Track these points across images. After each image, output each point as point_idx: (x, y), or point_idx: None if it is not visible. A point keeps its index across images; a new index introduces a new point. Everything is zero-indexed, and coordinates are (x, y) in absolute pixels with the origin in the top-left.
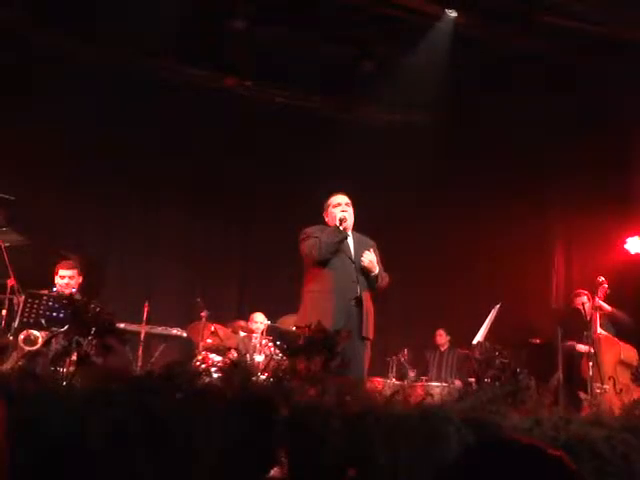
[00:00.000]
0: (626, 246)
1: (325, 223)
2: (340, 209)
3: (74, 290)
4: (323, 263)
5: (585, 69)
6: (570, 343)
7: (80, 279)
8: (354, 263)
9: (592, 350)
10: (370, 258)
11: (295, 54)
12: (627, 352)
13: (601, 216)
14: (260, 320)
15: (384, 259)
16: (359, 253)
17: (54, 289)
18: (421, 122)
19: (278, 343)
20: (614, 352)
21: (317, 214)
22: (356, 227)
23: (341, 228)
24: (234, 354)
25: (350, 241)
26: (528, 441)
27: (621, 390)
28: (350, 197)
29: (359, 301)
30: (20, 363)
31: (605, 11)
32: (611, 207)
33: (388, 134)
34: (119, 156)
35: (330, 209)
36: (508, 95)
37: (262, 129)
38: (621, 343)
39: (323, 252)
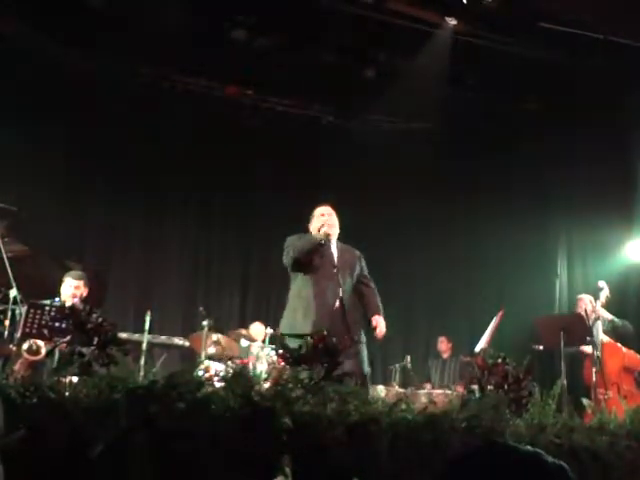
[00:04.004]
0: (627, 251)
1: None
2: (323, 219)
3: (76, 300)
4: (303, 269)
5: (585, 72)
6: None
7: (86, 291)
8: (336, 269)
9: (596, 355)
10: (384, 329)
11: (295, 63)
12: (630, 358)
13: (603, 221)
14: (262, 329)
15: (384, 265)
16: (342, 260)
17: (57, 299)
18: (421, 129)
19: (280, 352)
20: (618, 358)
21: None
22: (357, 234)
23: (319, 236)
24: (236, 363)
25: (334, 248)
26: (530, 449)
27: (625, 396)
28: (351, 204)
29: (342, 305)
30: (23, 373)
31: (605, 17)
32: (613, 212)
33: (388, 141)
34: (120, 165)
35: (316, 220)
36: (508, 101)
37: (263, 138)
38: (624, 349)
39: (295, 253)
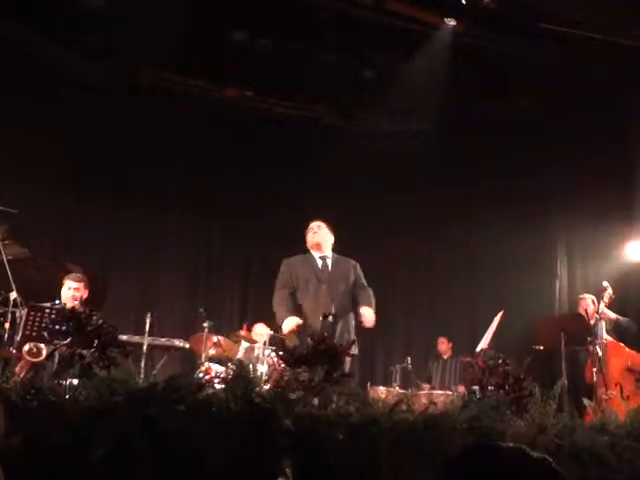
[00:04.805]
0: (627, 251)
1: (306, 249)
2: (312, 232)
3: (77, 303)
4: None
5: (585, 75)
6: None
7: (86, 293)
8: (328, 282)
9: (597, 355)
10: (371, 319)
11: (295, 64)
12: (634, 359)
13: (603, 221)
14: (262, 331)
15: (384, 266)
16: (337, 271)
17: (57, 302)
18: (421, 130)
19: (281, 353)
20: (622, 358)
21: None
22: (357, 234)
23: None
24: (237, 365)
25: (328, 261)
26: (512, 445)
27: (628, 397)
28: (350, 204)
29: (334, 317)
30: (24, 375)
31: (605, 18)
32: (613, 213)
33: (388, 142)
34: (120, 168)
35: (307, 233)
36: (507, 101)
37: (263, 139)
38: (628, 349)
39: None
